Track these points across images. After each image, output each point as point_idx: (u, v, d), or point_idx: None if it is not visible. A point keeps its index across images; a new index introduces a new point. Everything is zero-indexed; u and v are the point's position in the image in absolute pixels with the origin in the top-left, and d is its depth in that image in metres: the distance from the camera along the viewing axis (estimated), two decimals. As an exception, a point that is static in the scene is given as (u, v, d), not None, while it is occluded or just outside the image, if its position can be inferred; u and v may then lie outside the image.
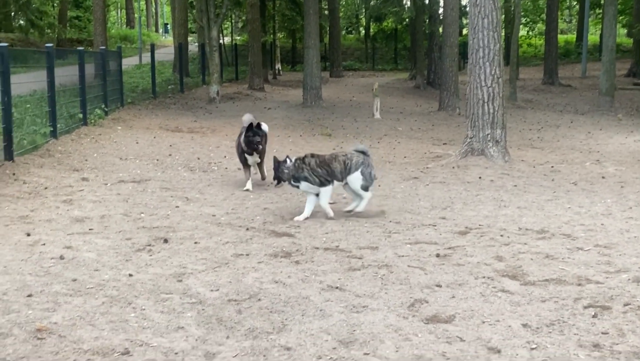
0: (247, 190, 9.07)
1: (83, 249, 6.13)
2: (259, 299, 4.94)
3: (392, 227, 7.18)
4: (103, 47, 19.44)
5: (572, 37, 51.35)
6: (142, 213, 7.65)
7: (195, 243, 6.48)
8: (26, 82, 13.34)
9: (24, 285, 5.11)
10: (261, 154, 9.36)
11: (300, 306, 4.82)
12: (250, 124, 9.13)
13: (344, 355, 4.01)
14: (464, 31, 37.04)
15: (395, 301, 4.92)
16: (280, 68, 38.72)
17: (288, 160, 7.73)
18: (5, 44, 10.21)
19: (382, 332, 4.35)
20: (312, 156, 7.75)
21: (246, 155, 9.20)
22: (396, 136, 16.33)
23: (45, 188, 8.75)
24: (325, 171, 7.57)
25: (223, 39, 35.37)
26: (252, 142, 9.07)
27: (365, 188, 7.62)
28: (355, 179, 7.57)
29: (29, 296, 4.87)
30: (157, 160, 11.34)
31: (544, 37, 36.57)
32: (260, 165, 9.55)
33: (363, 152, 7.71)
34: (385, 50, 47.98)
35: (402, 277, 5.47)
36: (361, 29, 54.61)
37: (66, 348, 4.01)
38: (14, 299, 4.80)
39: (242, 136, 9.17)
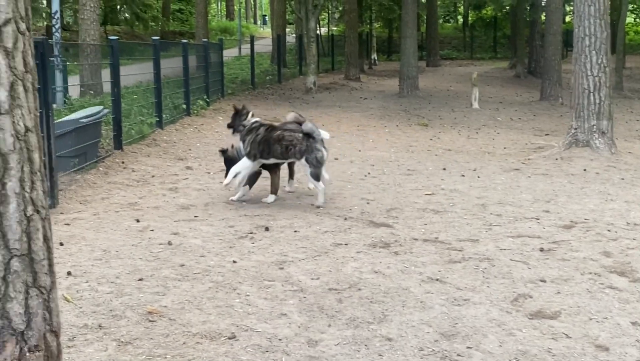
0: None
1: (189, 235, 6.34)
2: (359, 289, 4.98)
3: (493, 219, 7.06)
4: (205, 40, 19.93)
5: (683, 23, 48.77)
6: (244, 201, 7.83)
7: (295, 231, 6.59)
8: (133, 74, 13.88)
9: (135, 269, 5.34)
10: None
11: (400, 297, 4.83)
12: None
13: (446, 348, 4.00)
14: (567, 18, 35.81)
15: (498, 295, 4.85)
16: (376, 58, 38.62)
17: (250, 116, 7.69)
18: (116, 37, 10.65)
19: (484, 326, 4.30)
20: (266, 128, 7.60)
21: None
22: (495, 126, 16.01)
23: (152, 176, 9.09)
24: (262, 150, 7.51)
25: (320, 30, 35.58)
26: None
27: (315, 177, 7.46)
28: (302, 166, 7.51)
29: (140, 280, 5.09)
30: (257, 150, 11.55)
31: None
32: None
33: (309, 135, 7.39)
34: (484, 39, 46.99)
35: (504, 271, 5.39)
36: (459, 17, 53.73)
37: (176, 331, 4.18)
38: (126, 283, 5.03)
39: None
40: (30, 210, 2.66)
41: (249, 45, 24.94)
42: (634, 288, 4.97)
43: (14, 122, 2.60)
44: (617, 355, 3.92)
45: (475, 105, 19.52)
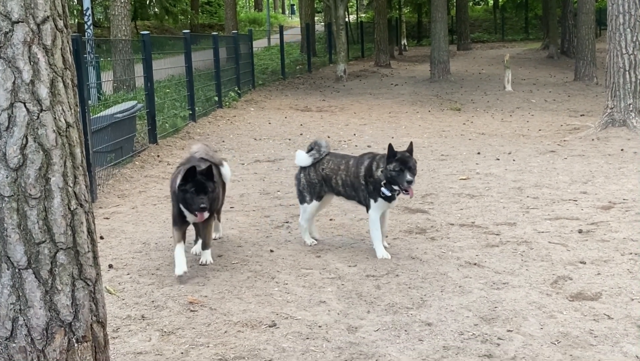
0: (180, 275, 4.92)
1: (226, 226, 6.39)
2: (397, 275, 4.99)
3: (530, 202, 7.01)
4: (235, 32, 20.00)
5: None
6: (278, 190, 7.88)
7: (331, 219, 6.61)
8: (165, 68, 13.99)
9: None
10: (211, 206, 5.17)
11: (438, 282, 4.82)
12: (192, 168, 5.00)
13: (487, 331, 3.99)
14: (600, -4, 35.12)
15: (537, 278, 4.82)
16: (406, 43, 38.38)
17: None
18: (147, 32, 10.74)
19: (524, 309, 4.29)
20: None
21: (182, 207, 5.11)
22: (529, 108, 15.83)
23: (187, 169, 9.16)
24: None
25: (349, 17, 35.46)
26: (192, 202, 5.00)
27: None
28: None
29: (180, 271, 5.15)
30: (289, 140, 11.60)
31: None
32: (206, 225, 5.33)
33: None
34: (515, 20, 46.34)
35: (543, 253, 5.35)
36: (489, -1, 53.08)
37: (217, 320, 4.23)
38: (166, 274, 5.10)
39: (179, 181, 5.07)
40: (74, 204, 2.72)
41: (278, 36, 24.98)
42: (677, 268, 4.91)
43: (55, 118, 2.65)
44: (660, 335, 3.88)
45: (508, 88, 19.32)
